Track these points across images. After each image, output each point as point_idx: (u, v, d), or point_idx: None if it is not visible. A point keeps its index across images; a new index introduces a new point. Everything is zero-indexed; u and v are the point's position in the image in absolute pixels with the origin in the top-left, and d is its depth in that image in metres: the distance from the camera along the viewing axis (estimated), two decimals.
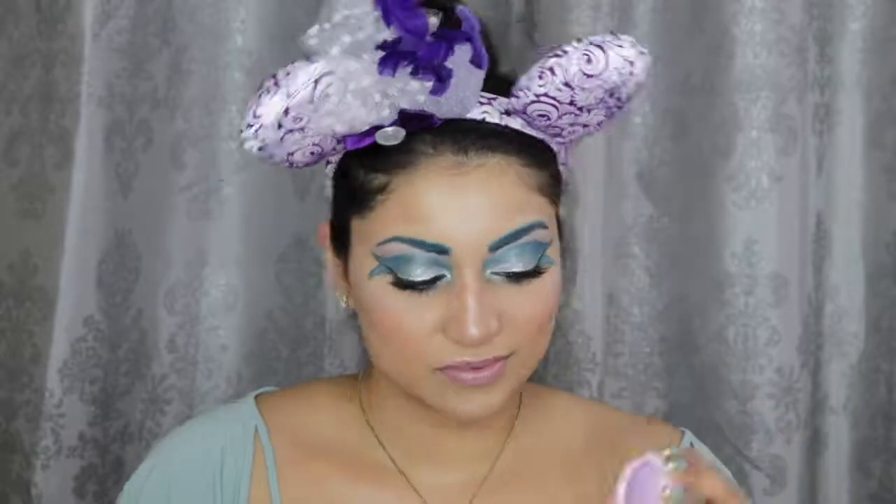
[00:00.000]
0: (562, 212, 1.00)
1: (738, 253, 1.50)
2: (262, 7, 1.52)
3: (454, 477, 1.01)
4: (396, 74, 0.88)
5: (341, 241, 0.97)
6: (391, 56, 0.88)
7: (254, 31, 1.51)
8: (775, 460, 1.49)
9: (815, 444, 1.55)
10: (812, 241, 1.54)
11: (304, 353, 1.53)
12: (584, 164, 1.48)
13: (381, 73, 0.88)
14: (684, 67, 1.52)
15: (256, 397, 1.06)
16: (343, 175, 0.95)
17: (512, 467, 1.02)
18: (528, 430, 1.04)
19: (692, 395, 1.53)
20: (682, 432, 1.08)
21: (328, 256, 1.00)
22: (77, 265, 1.47)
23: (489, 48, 0.96)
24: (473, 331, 0.89)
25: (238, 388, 1.51)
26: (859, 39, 1.56)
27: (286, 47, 1.50)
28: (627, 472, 0.78)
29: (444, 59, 0.89)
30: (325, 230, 1.00)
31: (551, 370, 1.50)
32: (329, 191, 0.99)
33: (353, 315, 0.99)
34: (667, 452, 0.79)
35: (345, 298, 0.99)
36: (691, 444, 1.06)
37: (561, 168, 0.98)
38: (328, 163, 0.98)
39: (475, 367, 0.91)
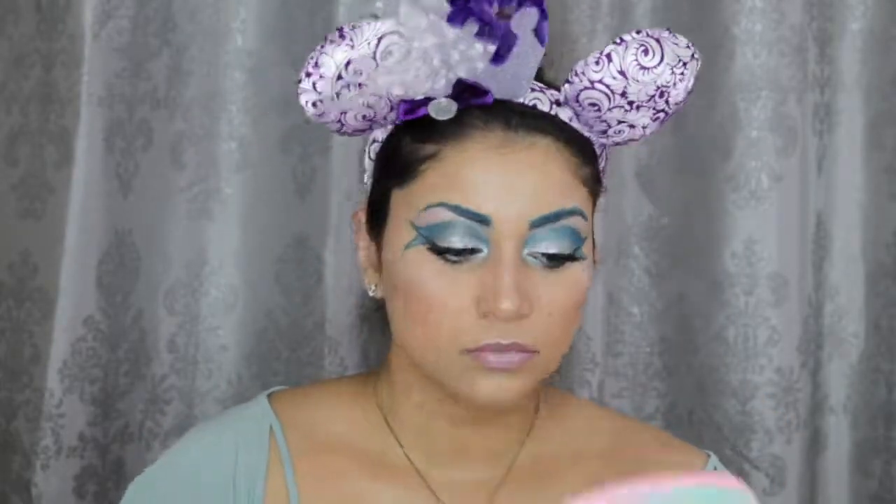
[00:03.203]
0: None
1: (738, 253, 1.50)
2: (262, 7, 1.51)
3: (470, 476, 1.00)
4: (464, 28, 0.89)
5: (377, 219, 0.97)
6: (462, 9, 0.90)
7: (254, 31, 1.51)
8: (775, 460, 1.49)
9: (815, 444, 1.55)
10: (812, 241, 1.54)
11: (304, 353, 1.53)
12: None
13: (450, 21, 0.89)
14: None
15: (269, 396, 1.05)
16: (390, 148, 0.96)
17: (529, 469, 1.02)
18: (546, 432, 1.03)
19: (692, 395, 1.53)
20: (708, 455, 1.07)
21: (361, 243, 1.00)
22: (77, 265, 1.47)
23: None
24: (507, 304, 0.89)
25: (238, 388, 1.51)
26: (859, 39, 1.56)
27: (286, 47, 1.50)
28: None
29: (512, 6, 0.90)
30: (361, 216, 1.00)
31: None
32: (368, 174, 0.99)
33: (379, 307, 0.99)
34: None
35: (374, 286, 0.98)
36: (715, 469, 1.05)
37: (601, 175, 0.99)
38: (373, 141, 0.98)
39: (502, 350, 0.91)
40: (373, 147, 0.98)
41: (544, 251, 0.92)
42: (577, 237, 0.93)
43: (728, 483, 0.75)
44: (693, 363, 1.53)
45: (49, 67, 1.50)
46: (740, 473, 1.48)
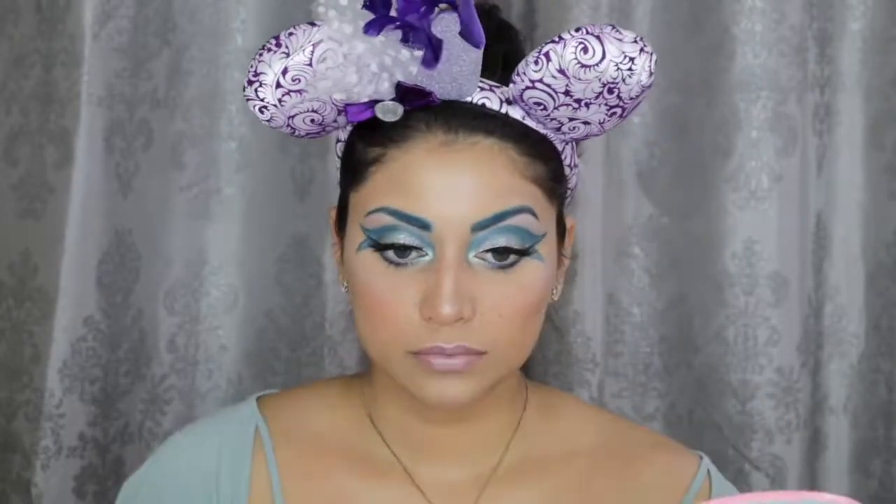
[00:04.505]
0: (569, 219, 1.00)
1: (738, 253, 1.50)
2: (262, 7, 1.52)
3: (458, 474, 1.00)
4: (383, 36, 0.88)
5: (342, 219, 0.97)
6: (378, 18, 0.89)
7: (254, 31, 1.51)
8: (775, 460, 1.49)
9: (815, 444, 1.55)
10: (812, 241, 1.54)
11: (304, 353, 1.53)
12: (584, 164, 1.48)
13: (366, 31, 0.88)
14: (684, 67, 1.52)
15: (259, 399, 1.06)
16: (347, 149, 0.97)
17: (517, 467, 1.01)
18: (533, 430, 1.03)
19: (692, 395, 1.53)
20: (700, 458, 1.06)
21: (334, 240, 1.01)
22: (77, 265, 1.47)
23: (509, 42, 0.97)
24: (446, 309, 0.89)
25: (238, 388, 1.52)
26: (859, 39, 1.56)
27: None
28: None
29: (422, 16, 0.88)
30: (333, 213, 1.00)
31: (551, 370, 1.50)
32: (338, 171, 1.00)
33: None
34: None
35: (345, 283, 0.99)
36: (708, 472, 1.05)
37: (567, 170, 0.98)
38: (338, 141, 0.98)
39: (446, 354, 0.91)
40: (338, 147, 0.99)
41: (491, 247, 0.91)
42: (525, 234, 0.92)
43: (826, 499, 0.74)
44: (693, 363, 1.53)
45: (49, 67, 1.50)
46: (740, 473, 1.49)
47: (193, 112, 1.50)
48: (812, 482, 1.54)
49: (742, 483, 1.48)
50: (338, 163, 1.00)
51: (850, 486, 1.57)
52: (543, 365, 1.50)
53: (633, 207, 1.54)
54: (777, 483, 1.49)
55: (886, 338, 1.56)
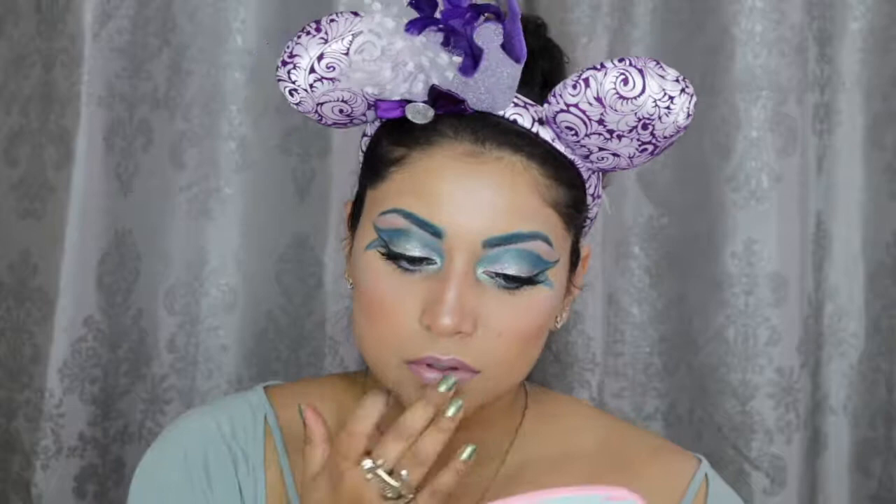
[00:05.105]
0: (585, 247, 0.99)
1: (738, 253, 1.50)
2: (262, 7, 1.52)
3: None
4: (424, 37, 0.88)
5: (356, 214, 0.97)
6: (422, 18, 0.88)
7: (254, 31, 1.51)
8: (775, 460, 1.49)
9: (815, 444, 1.55)
10: (812, 241, 1.54)
11: (304, 353, 1.53)
12: None
13: (407, 30, 0.87)
14: (684, 67, 1.51)
15: (265, 388, 1.05)
16: (371, 146, 0.96)
17: (517, 473, 1.01)
18: (532, 436, 1.03)
19: (692, 395, 1.53)
20: (699, 460, 1.05)
21: (344, 234, 1.00)
22: (77, 265, 1.47)
23: (551, 61, 0.96)
24: (446, 320, 0.88)
25: (238, 388, 1.51)
26: (859, 39, 1.56)
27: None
28: None
29: (466, 22, 0.88)
30: (348, 207, 1.00)
31: (551, 370, 1.50)
32: (359, 167, 0.99)
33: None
34: None
35: (350, 280, 0.98)
36: (706, 476, 1.04)
37: (589, 199, 0.97)
38: (364, 135, 0.98)
39: (439, 368, 0.90)
40: (363, 141, 0.99)
41: (500, 271, 0.90)
42: (538, 261, 0.91)
43: (618, 495, 0.75)
44: (693, 363, 1.53)
45: (49, 67, 1.49)
46: (740, 473, 1.49)
47: (193, 112, 1.51)
48: (812, 482, 1.54)
49: (742, 483, 1.48)
50: (360, 156, 0.99)
51: (850, 486, 1.57)
52: (543, 365, 1.50)
53: (633, 207, 1.54)
54: (777, 483, 1.50)
55: (886, 338, 1.56)
